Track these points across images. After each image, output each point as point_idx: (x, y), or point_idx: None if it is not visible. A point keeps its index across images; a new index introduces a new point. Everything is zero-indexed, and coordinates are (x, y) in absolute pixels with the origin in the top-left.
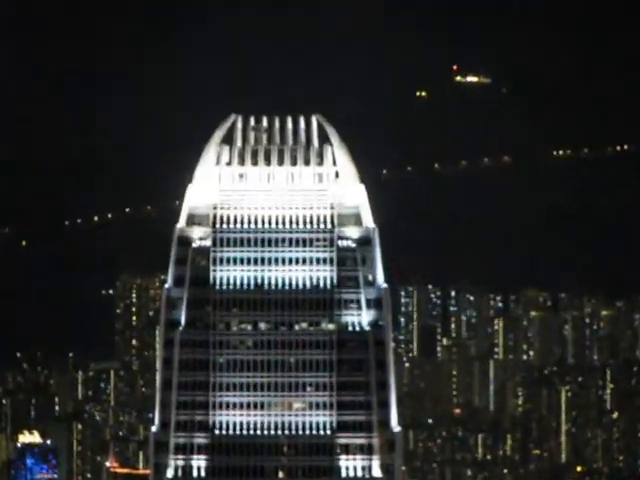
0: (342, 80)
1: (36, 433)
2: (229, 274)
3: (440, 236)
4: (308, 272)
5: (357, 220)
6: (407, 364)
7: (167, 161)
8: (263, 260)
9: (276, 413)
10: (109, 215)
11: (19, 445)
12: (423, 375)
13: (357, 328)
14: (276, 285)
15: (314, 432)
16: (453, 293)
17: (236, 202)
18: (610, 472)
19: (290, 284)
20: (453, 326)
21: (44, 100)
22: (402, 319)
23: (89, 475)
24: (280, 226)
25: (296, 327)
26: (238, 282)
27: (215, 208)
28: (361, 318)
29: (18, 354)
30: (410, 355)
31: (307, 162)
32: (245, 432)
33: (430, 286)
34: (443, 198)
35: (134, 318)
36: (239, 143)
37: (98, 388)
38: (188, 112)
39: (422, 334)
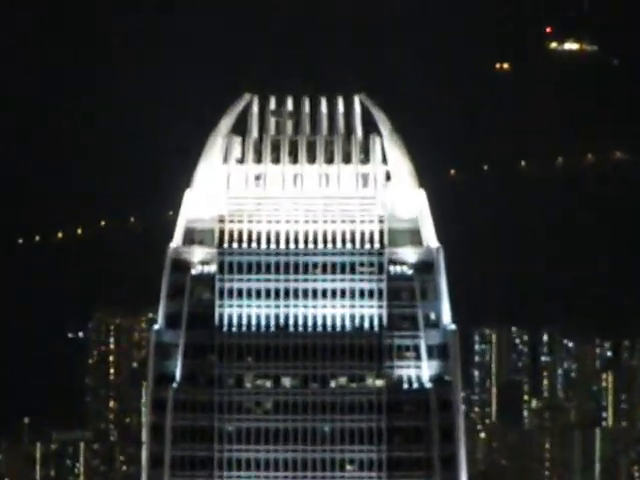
0: (395, 52)
1: None
2: (241, 311)
3: (527, 260)
4: (348, 309)
5: (415, 238)
6: (483, 434)
7: (156, 158)
8: (287, 292)
9: None
10: (78, 230)
11: None
12: (505, 448)
13: (415, 385)
14: (305, 327)
15: None
16: (545, 338)
17: (251, 213)
18: None
19: (324, 325)
20: (545, 382)
21: None
22: (476, 372)
23: None
24: (310, 247)
25: (332, 383)
26: (253, 322)
27: (222, 221)
28: (420, 371)
29: None
30: (487, 422)
31: (347, 159)
32: None
33: (514, 328)
34: (532, 208)
35: (112, 371)
36: (255, 133)
37: (63, 466)
38: (184, 91)
39: (503, 393)
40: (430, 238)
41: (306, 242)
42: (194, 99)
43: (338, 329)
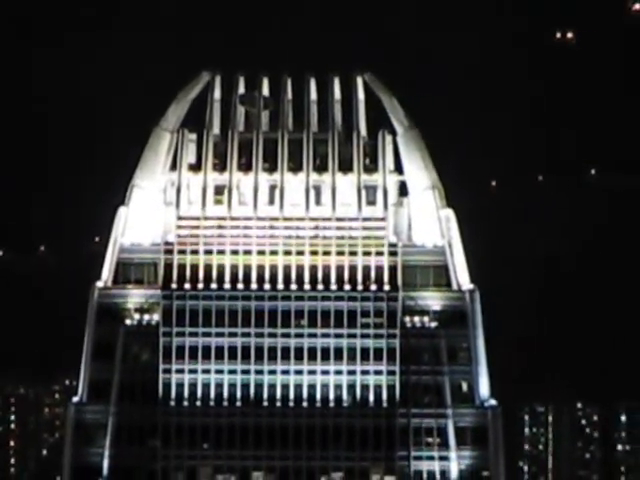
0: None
1: None
2: (195, 378)
3: (601, 309)
4: (346, 375)
5: (440, 277)
6: None
7: (76, 161)
8: (260, 352)
9: None
10: None
11: None
12: None
13: None
14: (284, 400)
15: None
16: (624, 418)
17: (209, 241)
18: None
19: (311, 398)
20: None
21: None
22: (526, 467)
23: None
24: (293, 288)
25: None
26: (212, 393)
27: (169, 252)
28: (447, 464)
29: None
30: None
31: (347, 166)
32: None
33: (580, 404)
34: (603, 231)
35: (12, 462)
36: (216, 128)
37: None
38: (118, 68)
39: None
40: (462, 276)
41: (287, 282)
42: (132, 80)
43: (332, 404)
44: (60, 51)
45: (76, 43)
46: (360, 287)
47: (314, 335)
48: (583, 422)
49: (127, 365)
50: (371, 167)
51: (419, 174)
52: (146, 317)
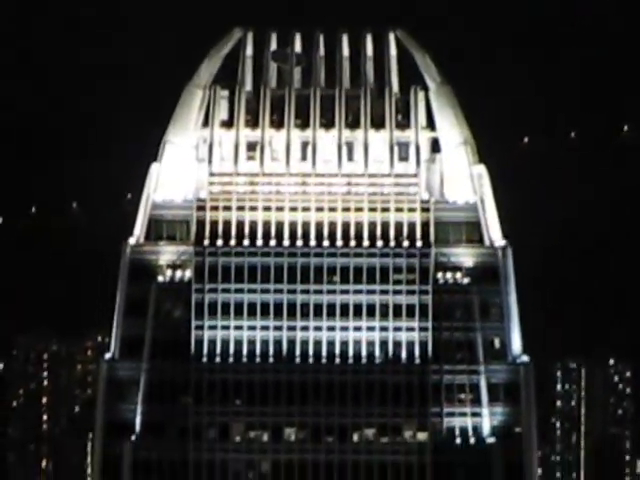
0: None
1: None
2: (227, 334)
3: (630, 266)
4: (379, 332)
5: (473, 233)
6: None
7: (108, 115)
8: (292, 308)
9: None
10: None
11: None
12: None
13: (472, 440)
14: (316, 356)
15: None
16: None
17: (241, 197)
18: None
19: (344, 355)
20: None
21: None
22: (558, 423)
23: None
24: (326, 244)
25: (354, 438)
26: (244, 350)
27: (201, 208)
28: (480, 420)
29: None
30: None
31: (379, 122)
32: None
33: (613, 361)
34: (636, 189)
35: (44, 417)
36: (248, 84)
37: None
38: (149, 24)
39: (597, 452)
40: (494, 233)
41: (319, 238)
42: (163, 36)
43: (364, 360)
44: (93, 8)
45: None
46: (392, 243)
47: (346, 292)
48: (615, 379)
49: (159, 322)
50: (403, 123)
51: (451, 130)
52: (178, 274)
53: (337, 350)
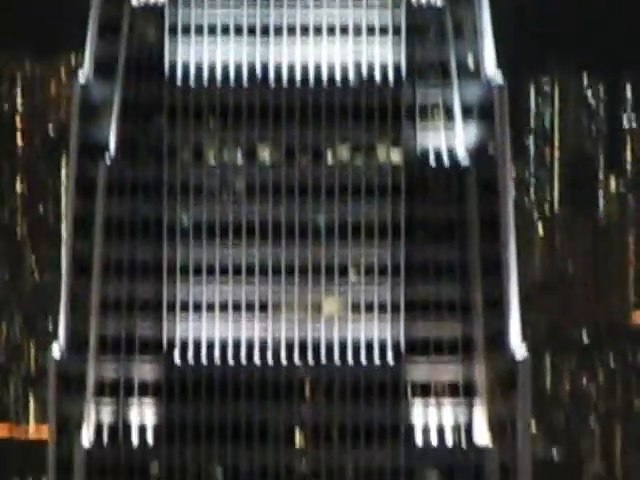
0: None
1: None
2: (201, 56)
3: None
4: (352, 53)
5: None
6: (542, 229)
7: None
8: (266, 29)
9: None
10: None
11: None
12: (572, 249)
13: (446, 161)
14: (291, 78)
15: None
16: (629, 86)
17: None
18: None
19: (317, 76)
20: (629, 155)
21: None
22: (531, 141)
23: None
24: None
25: (329, 157)
26: (218, 71)
27: None
28: (453, 139)
29: None
30: (548, 211)
31: None
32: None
33: (585, 74)
34: None
35: (18, 139)
36: None
37: None
38: None
39: (570, 170)
40: None
41: None
42: None
43: (338, 82)
44: None
45: None
46: None
47: (319, 10)
48: (589, 94)
49: (133, 41)
50: None
51: None
52: None
53: (312, 72)
